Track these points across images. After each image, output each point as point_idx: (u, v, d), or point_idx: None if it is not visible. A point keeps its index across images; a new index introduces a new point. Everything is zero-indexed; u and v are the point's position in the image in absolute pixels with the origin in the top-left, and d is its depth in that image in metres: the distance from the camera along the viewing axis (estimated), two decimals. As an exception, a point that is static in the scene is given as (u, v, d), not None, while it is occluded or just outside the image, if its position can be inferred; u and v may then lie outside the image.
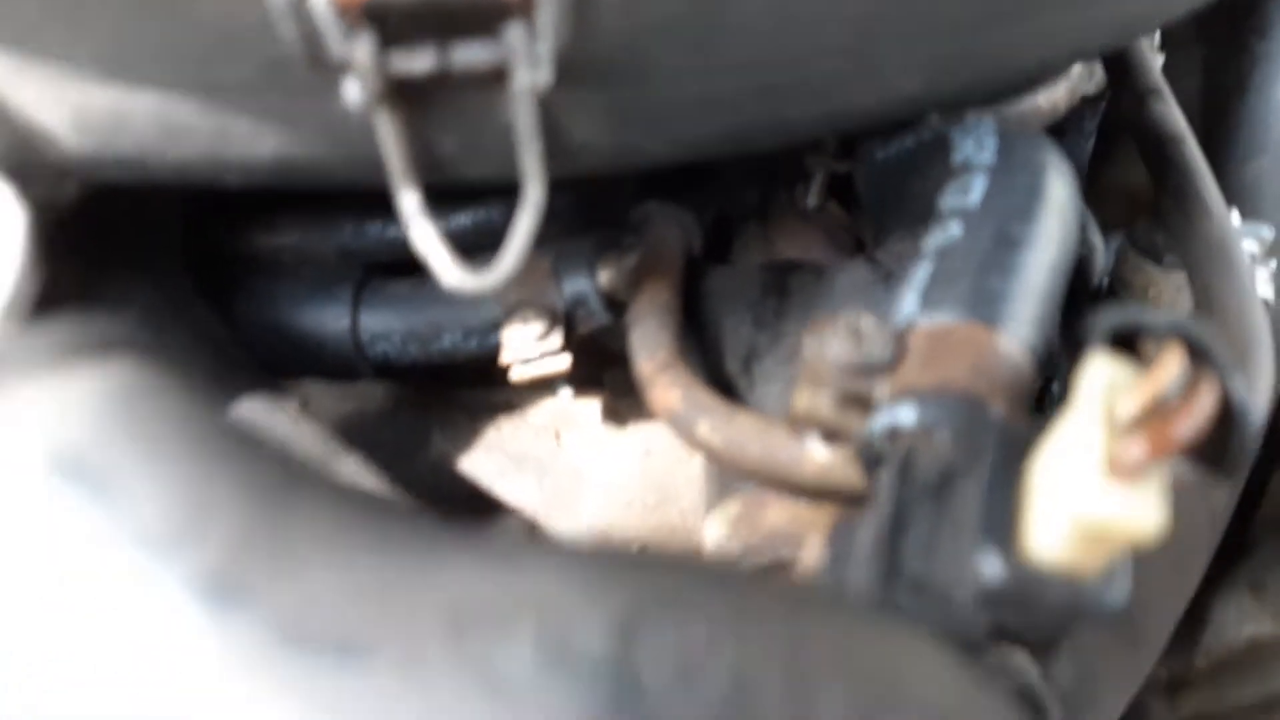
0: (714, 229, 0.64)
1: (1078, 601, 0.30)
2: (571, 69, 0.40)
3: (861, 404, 0.39)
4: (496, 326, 0.58)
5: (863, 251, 0.63)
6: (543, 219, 0.44)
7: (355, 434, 0.60)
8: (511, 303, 0.58)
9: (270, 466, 0.26)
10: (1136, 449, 0.28)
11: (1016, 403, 0.37)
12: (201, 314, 0.54)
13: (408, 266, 0.60)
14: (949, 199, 0.45)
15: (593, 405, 0.64)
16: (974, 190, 0.44)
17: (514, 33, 0.37)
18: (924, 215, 0.50)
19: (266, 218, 0.60)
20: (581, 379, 0.62)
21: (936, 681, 0.29)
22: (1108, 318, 0.31)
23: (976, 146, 0.46)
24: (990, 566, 0.30)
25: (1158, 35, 0.77)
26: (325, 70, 0.37)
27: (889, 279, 0.54)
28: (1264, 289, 0.59)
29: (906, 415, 0.37)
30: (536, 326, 0.56)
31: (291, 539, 0.24)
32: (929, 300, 0.41)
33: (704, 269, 0.61)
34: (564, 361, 0.57)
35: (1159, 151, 0.61)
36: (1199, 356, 0.30)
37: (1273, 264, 0.60)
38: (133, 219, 0.54)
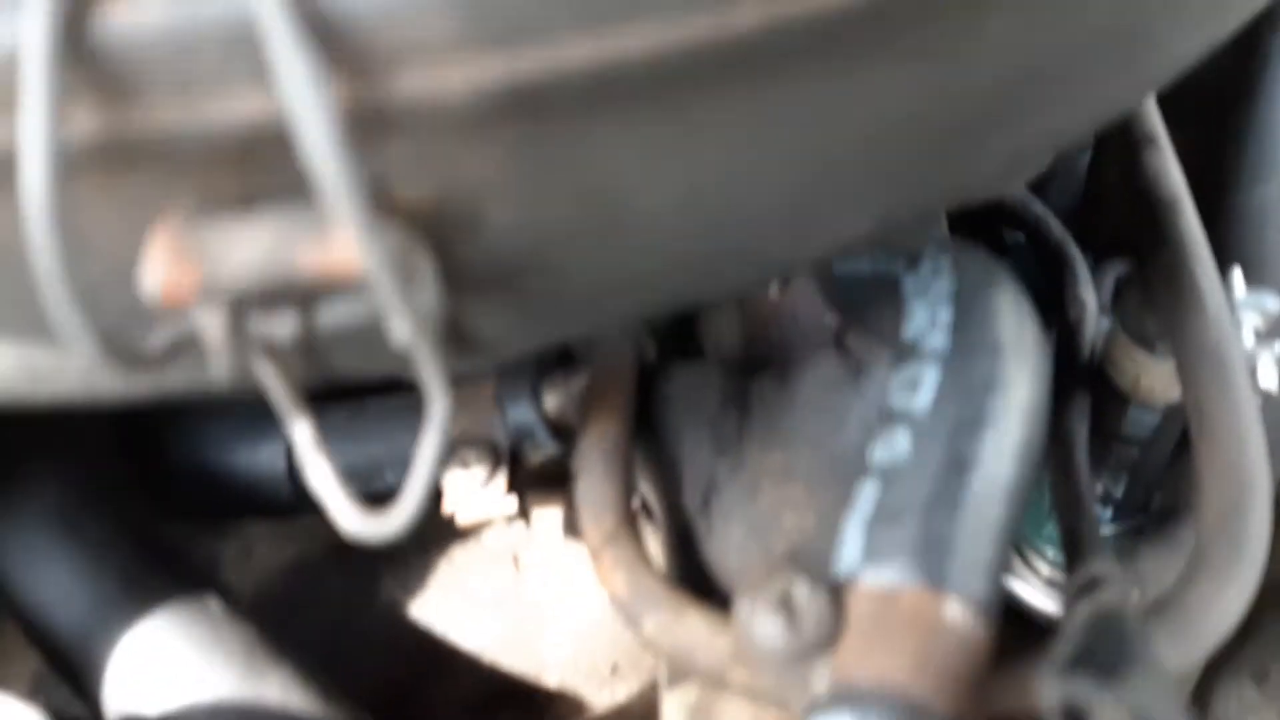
0: (673, 323, 0.60)
1: None
2: (460, 283, 0.36)
3: (802, 679, 0.36)
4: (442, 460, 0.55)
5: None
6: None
7: (300, 584, 0.57)
8: (454, 435, 0.55)
9: None
10: None
11: (963, 687, 0.34)
12: (122, 504, 0.50)
13: (344, 392, 0.56)
14: (896, 394, 0.40)
15: (553, 518, 0.60)
16: (923, 388, 0.40)
17: (380, 296, 0.32)
18: (884, 327, 0.45)
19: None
20: (541, 489, 0.59)
21: None
22: (1053, 692, 0.27)
23: (928, 319, 0.41)
24: None
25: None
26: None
27: (859, 373, 0.50)
28: (1267, 377, 0.54)
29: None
30: (479, 471, 0.53)
31: None
32: (873, 547, 0.37)
33: (664, 369, 0.57)
34: (511, 504, 0.53)
35: (1150, 216, 0.55)
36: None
37: (1277, 346, 0.55)
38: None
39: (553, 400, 0.55)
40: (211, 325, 0.32)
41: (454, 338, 0.39)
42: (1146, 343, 0.55)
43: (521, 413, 0.54)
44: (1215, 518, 0.45)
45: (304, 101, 0.24)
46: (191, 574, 0.49)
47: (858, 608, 0.36)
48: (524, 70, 0.26)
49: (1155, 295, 0.54)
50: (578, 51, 0.27)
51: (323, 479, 0.38)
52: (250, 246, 0.28)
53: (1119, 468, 0.62)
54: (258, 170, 0.29)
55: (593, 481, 0.49)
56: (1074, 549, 0.52)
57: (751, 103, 0.33)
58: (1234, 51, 0.75)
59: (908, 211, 0.42)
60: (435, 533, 0.59)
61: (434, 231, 0.33)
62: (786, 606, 0.36)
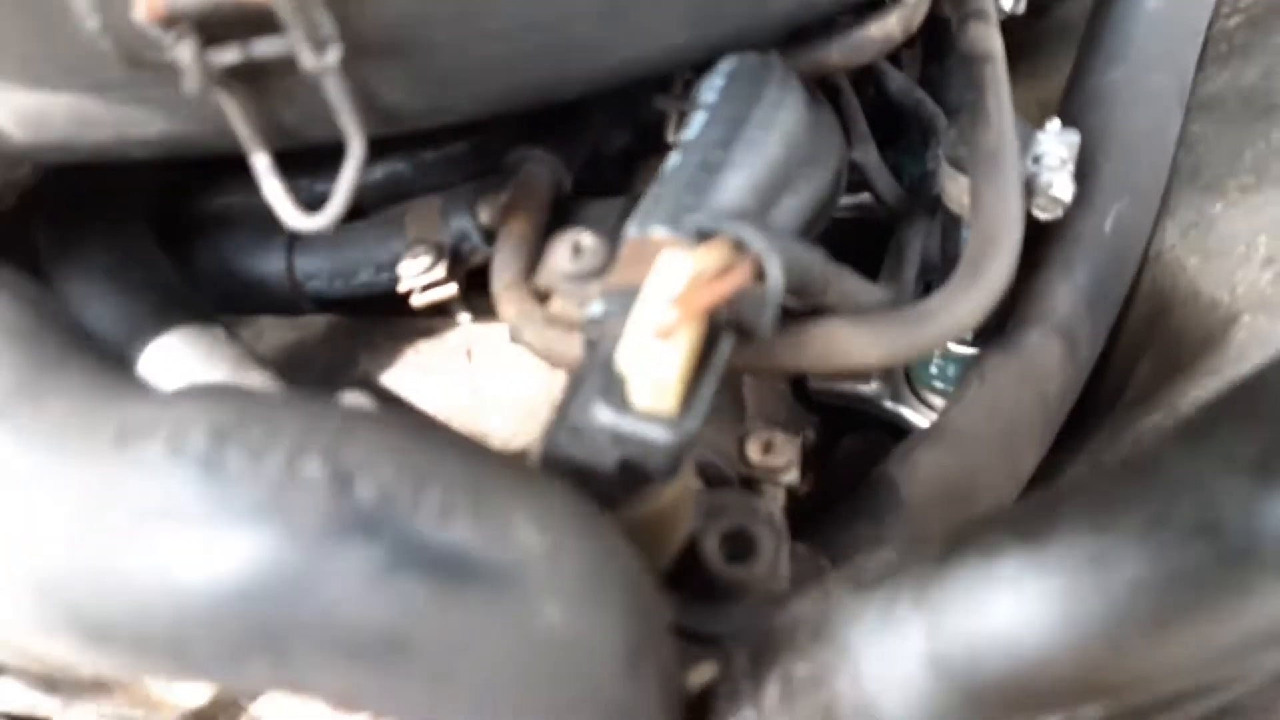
0: (588, 166, 0.75)
1: (663, 433, 0.41)
2: (361, 49, 0.51)
3: (583, 292, 0.51)
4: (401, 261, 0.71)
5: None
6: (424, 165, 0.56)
7: (295, 358, 0.73)
8: (409, 240, 0.70)
9: (40, 348, 0.39)
10: (669, 314, 0.38)
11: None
12: (157, 263, 0.67)
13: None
14: (681, 134, 0.55)
15: (502, 328, 0.75)
16: (694, 126, 0.54)
17: (293, 30, 0.48)
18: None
19: (216, 181, 0.74)
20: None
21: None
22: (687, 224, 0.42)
23: (708, 88, 0.56)
24: (600, 412, 0.42)
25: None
26: (157, 69, 0.49)
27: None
28: (1064, 189, 0.66)
29: (597, 309, 0.48)
30: (425, 259, 0.68)
31: (41, 389, 0.37)
32: (643, 218, 0.52)
33: (579, 200, 0.72)
34: (452, 288, 0.69)
35: (968, 70, 0.68)
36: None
37: (1071, 168, 0.67)
38: (97, 193, 0.68)
39: (486, 212, 0.70)
40: (183, 50, 0.48)
41: (362, 103, 0.54)
42: (961, 166, 0.67)
43: (460, 220, 0.70)
44: (967, 261, 0.58)
45: None
46: (202, 311, 0.65)
47: (624, 252, 0.51)
48: None
49: (964, 126, 0.67)
50: None
51: (274, 193, 0.54)
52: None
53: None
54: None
55: (504, 253, 0.64)
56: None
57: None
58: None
59: (714, 31, 0.57)
60: (405, 329, 0.74)
61: (336, -1, 0.49)
62: (575, 247, 0.51)
